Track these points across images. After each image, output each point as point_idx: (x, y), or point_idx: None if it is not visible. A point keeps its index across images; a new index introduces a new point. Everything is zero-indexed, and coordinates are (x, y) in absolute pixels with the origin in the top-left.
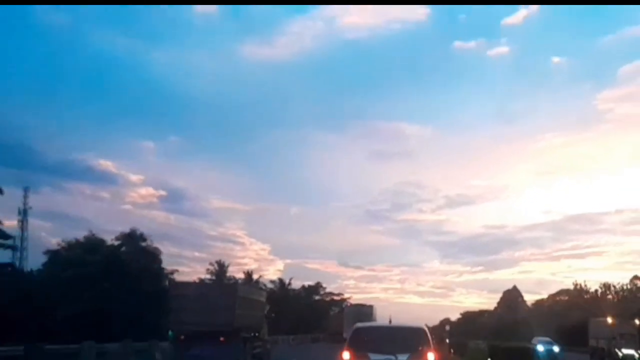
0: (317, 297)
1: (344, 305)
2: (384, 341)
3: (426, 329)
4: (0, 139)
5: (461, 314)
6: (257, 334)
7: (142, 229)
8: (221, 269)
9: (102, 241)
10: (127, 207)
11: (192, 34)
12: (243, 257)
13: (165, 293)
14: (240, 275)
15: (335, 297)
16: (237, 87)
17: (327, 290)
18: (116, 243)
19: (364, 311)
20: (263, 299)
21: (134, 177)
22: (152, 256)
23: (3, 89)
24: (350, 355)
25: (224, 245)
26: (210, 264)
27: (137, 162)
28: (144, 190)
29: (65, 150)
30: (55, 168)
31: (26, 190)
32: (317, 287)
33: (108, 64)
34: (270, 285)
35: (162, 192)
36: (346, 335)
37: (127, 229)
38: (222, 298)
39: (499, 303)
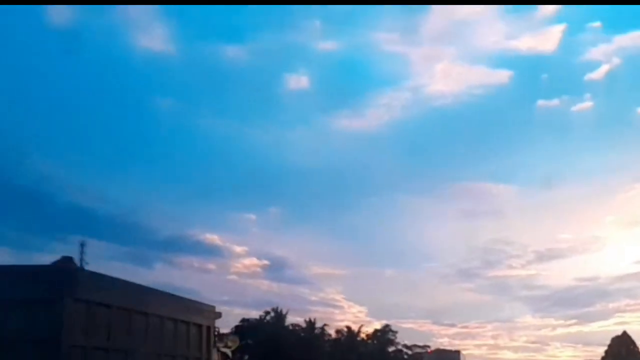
0: (391, 349)
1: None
2: None
3: None
4: (118, 219)
5: None
6: None
7: (247, 298)
8: (279, 317)
9: None
10: (233, 277)
11: (285, 110)
12: (342, 320)
13: None
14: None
15: (420, 350)
16: (330, 157)
17: (408, 342)
18: None
19: (449, 358)
20: (201, 322)
21: (238, 249)
22: None
23: (120, 175)
24: None
25: (324, 310)
26: (266, 312)
27: (240, 234)
28: (247, 261)
29: (175, 226)
30: (167, 244)
31: (82, 244)
32: (385, 332)
33: (209, 143)
34: (335, 336)
35: (265, 262)
36: None
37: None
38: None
39: (607, 352)
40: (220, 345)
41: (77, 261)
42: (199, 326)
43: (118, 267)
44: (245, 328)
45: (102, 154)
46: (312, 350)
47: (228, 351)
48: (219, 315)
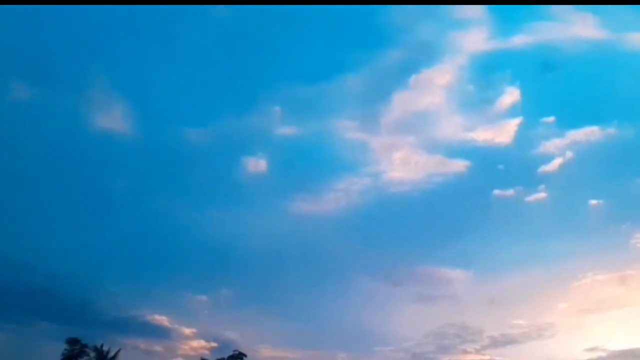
0: None
1: None
2: None
3: None
4: (64, 299)
5: None
6: None
7: None
8: None
9: None
10: (179, 359)
11: (243, 192)
12: None
13: None
14: None
15: None
16: (285, 240)
17: None
18: None
19: None
20: None
21: (187, 331)
22: None
23: (68, 254)
24: None
25: None
26: None
27: (190, 316)
28: (195, 343)
29: (122, 307)
30: (113, 325)
31: None
32: None
33: (164, 224)
34: None
35: (213, 344)
36: None
37: None
38: None
39: None
40: None
41: None
42: None
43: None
44: None
45: (51, 231)
46: None
47: None
48: None
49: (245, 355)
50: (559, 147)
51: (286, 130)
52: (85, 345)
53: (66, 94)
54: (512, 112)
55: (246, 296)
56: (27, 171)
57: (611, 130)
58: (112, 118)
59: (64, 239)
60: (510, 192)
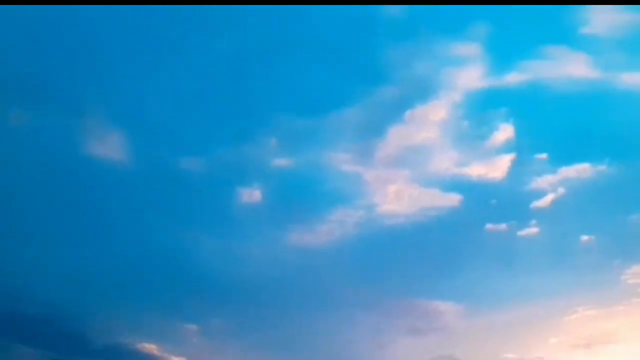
0: None
1: None
2: None
3: None
4: (55, 327)
5: None
6: None
7: None
8: None
9: None
10: None
11: (236, 223)
12: None
13: None
14: None
15: None
16: (279, 271)
17: None
18: None
19: None
20: None
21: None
22: None
23: (54, 278)
24: None
25: None
26: None
27: (180, 345)
28: None
29: (110, 334)
30: (102, 353)
31: None
32: None
33: (154, 252)
34: None
35: None
36: None
37: None
38: None
39: None
40: None
41: None
42: None
43: None
44: None
45: (42, 259)
46: None
47: None
48: None
49: None
50: (551, 183)
51: (282, 161)
52: None
53: (62, 121)
54: (505, 148)
55: (237, 327)
56: (22, 198)
57: (602, 167)
58: (108, 146)
59: (55, 267)
60: (503, 226)
